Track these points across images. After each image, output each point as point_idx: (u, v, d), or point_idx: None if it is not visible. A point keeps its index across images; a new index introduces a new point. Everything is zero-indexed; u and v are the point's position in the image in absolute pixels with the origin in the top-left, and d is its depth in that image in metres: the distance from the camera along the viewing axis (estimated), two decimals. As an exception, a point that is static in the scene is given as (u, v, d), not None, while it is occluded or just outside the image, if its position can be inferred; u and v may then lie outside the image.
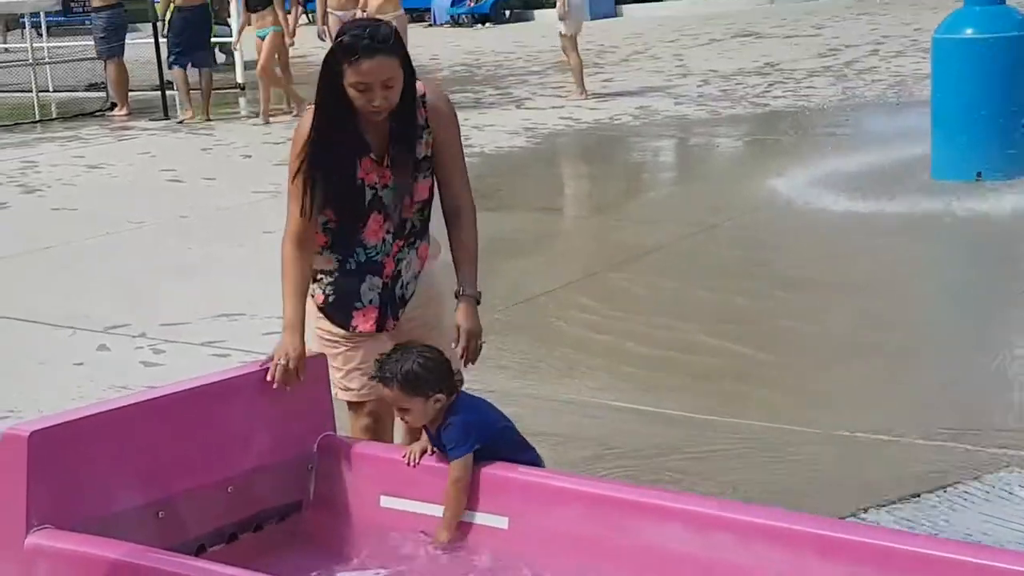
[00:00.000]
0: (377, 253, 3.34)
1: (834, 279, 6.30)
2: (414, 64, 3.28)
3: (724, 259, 6.77)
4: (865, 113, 10.67)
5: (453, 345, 3.27)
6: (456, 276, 3.35)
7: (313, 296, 3.38)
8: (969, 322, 5.65)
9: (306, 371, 3.23)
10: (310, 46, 22.51)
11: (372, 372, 3.18)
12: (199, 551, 3.03)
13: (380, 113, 3.19)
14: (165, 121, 13.14)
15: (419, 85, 3.30)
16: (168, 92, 13.40)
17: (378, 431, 3.40)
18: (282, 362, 3.19)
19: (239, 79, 15.54)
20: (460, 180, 3.38)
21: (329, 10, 12.51)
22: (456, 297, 3.32)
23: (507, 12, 23.86)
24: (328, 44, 12.76)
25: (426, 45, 20.46)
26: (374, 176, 3.28)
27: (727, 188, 8.37)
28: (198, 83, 13.01)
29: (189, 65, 12.95)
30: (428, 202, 3.39)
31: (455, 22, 24.49)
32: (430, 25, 24.98)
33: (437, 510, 3.09)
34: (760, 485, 3.96)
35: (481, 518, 3.06)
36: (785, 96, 12.09)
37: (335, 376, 3.39)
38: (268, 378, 3.19)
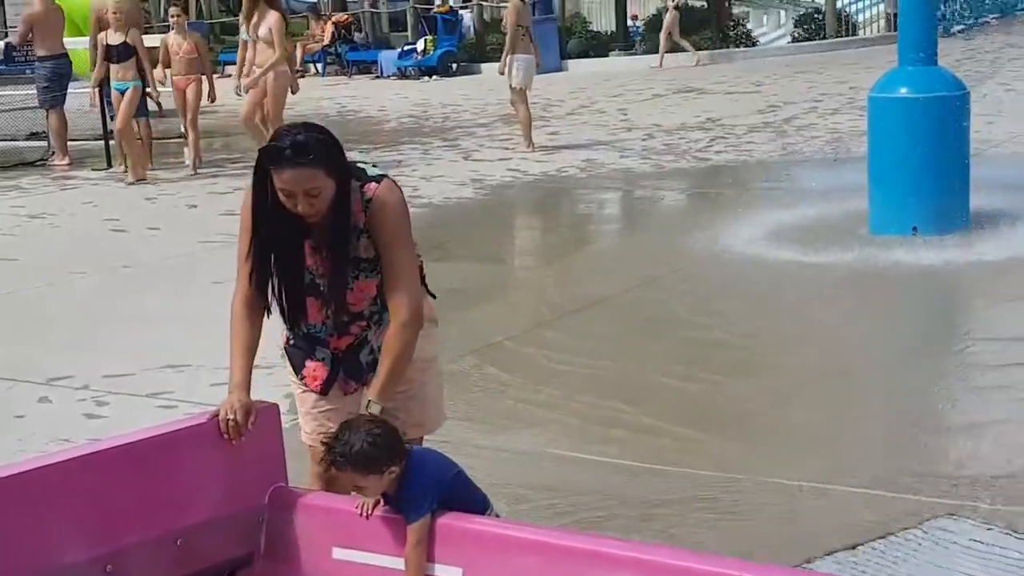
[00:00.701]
0: (318, 331, 3.40)
1: (776, 331, 6.40)
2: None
3: (668, 311, 6.84)
4: (804, 168, 10.85)
5: None
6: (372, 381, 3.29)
7: (282, 335, 3.46)
8: (908, 373, 5.74)
9: (256, 422, 3.24)
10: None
11: (324, 441, 3.15)
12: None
13: (309, 217, 3.21)
14: (108, 170, 13.06)
15: (371, 187, 3.28)
16: (112, 142, 13.32)
17: (331, 480, 3.41)
18: (229, 416, 3.20)
19: (183, 128, 15.47)
20: (397, 283, 3.27)
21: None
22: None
23: (454, 65, 24.02)
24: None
25: (373, 97, 20.56)
26: (311, 262, 3.32)
27: (672, 241, 8.46)
28: (137, 133, 12.92)
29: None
30: (377, 298, 3.37)
31: (402, 74, 24.60)
32: (377, 77, 25.08)
33: (391, 561, 3.08)
34: (705, 534, 4.01)
35: (435, 569, 3.06)
36: (727, 151, 12.27)
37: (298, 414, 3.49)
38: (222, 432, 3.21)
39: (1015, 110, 12.83)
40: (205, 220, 9.99)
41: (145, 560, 3.02)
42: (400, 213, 3.31)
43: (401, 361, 3.26)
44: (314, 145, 3.16)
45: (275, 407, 3.35)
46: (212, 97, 12.90)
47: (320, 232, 3.27)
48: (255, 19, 11.41)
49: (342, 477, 3.17)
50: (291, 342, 3.46)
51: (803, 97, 15.91)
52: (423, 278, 3.48)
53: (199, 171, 12.52)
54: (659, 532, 4.00)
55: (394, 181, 3.37)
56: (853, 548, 3.88)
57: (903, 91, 7.94)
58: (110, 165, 13.21)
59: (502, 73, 13.27)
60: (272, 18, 11.29)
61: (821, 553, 3.82)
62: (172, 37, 12.60)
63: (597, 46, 24.42)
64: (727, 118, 14.52)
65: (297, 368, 3.46)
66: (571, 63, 23.23)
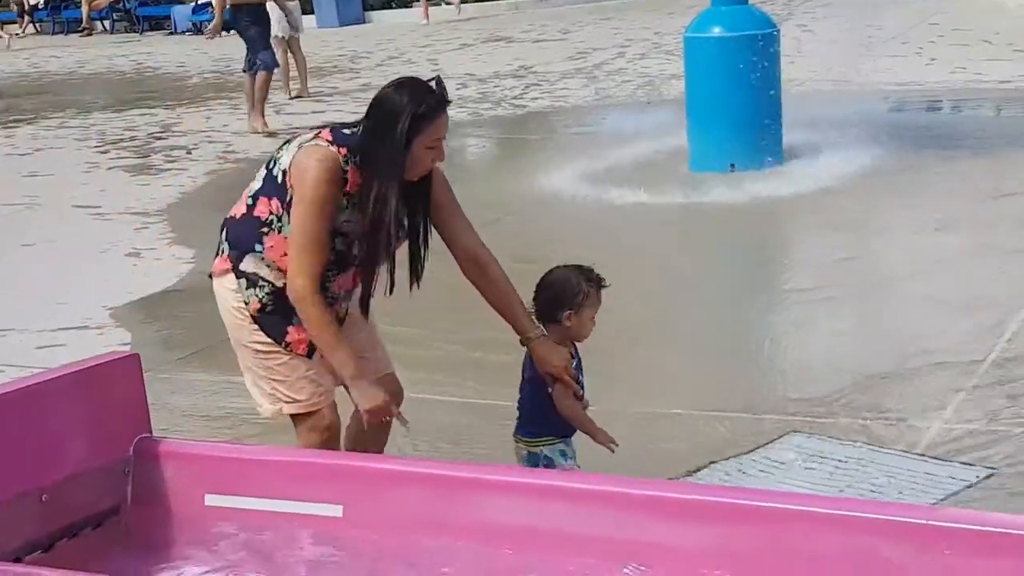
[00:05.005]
0: (333, 298, 3.29)
1: (612, 269, 6.43)
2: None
3: (509, 252, 6.76)
4: (620, 112, 11.02)
5: (549, 389, 3.27)
6: (514, 321, 3.32)
7: (247, 303, 3.24)
8: (742, 303, 5.93)
9: (118, 373, 3.15)
10: (47, 54, 21.60)
11: None
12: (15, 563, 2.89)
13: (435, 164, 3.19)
14: None
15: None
16: None
17: (332, 443, 3.32)
18: (394, 410, 3.19)
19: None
20: (467, 224, 3.41)
21: None
22: (525, 343, 3.29)
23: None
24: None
25: (171, 53, 19.92)
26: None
27: (501, 187, 8.48)
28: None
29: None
30: None
31: (197, 29, 23.89)
32: (171, 33, 24.32)
33: (268, 504, 3.04)
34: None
35: (313, 508, 3.03)
36: (542, 97, 12.37)
37: (275, 388, 3.28)
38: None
39: (813, 50, 13.33)
40: (6, 182, 9.56)
41: (10, 517, 2.89)
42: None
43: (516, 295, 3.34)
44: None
45: (136, 357, 3.24)
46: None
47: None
48: None
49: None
50: (267, 309, 3.24)
51: (610, 43, 16.15)
52: None
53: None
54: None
55: None
56: (707, 467, 4.01)
57: (717, 30, 8.11)
58: None
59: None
60: None
61: (678, 473, 3.93)
62: None
63: (399, -3, 24.24)
64: (539, 65, 14.63)
65: (279, 336, 3.25)
66: (374, 15, 23.02)
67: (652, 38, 15.97)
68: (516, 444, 3.35)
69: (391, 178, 3.11)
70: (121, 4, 25.72)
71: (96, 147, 11.16)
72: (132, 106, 13.52)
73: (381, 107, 3.12)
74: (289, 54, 13.56)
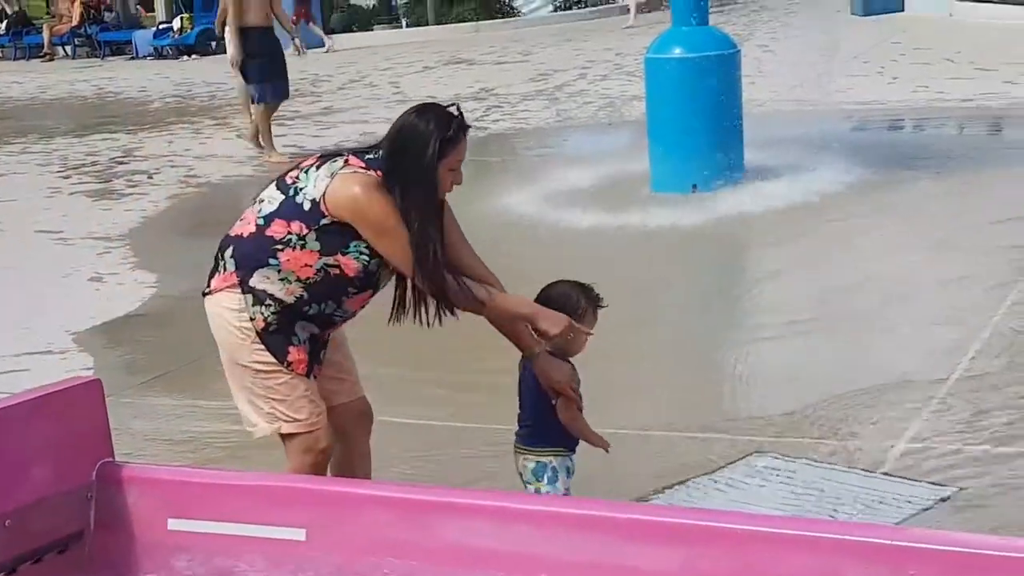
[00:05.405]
0: (342, 316, 3.32)
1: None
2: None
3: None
4: (582, 133, 11.08)
5: (552, 402, 3.36)
6: (518, 340, 3.37)
7: (252, 320, 3.23)
8: (702, 322, 5.97)
9: (79, 399, 3.13)
10: (8, 80, 21.44)
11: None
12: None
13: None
14: None
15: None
16: None
17: (323, 466, 3.33)
18: (576, 325, 3.27)
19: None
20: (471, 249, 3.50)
21: None
22: (529, 360, 3.35)
23: (213, 43, 23.38)
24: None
25: (132, 78, 19.83)
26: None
27: (465, 210, 8.31)
28: None
29: None
30: None
31: (159, 54, 23.82)
32: (132, 58, 24.22)
33: (231, 528, 3.03)
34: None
35: (277, 532, 3.01)
36: (504, 119, 12.40)
37: (275, 408, 3.27)
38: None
39: (774, 70, 13.42)
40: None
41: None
42: None
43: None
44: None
45: (98, 382, 3.22)
46: None
47: None
48: None
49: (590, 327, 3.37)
50: (270, 328, 3.24)
51: (571, 64, 16.22)
52: None
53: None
54: (491, 487, 4.02)
55: None
56: (678, 486, 4.02)
57: (677, 51, 8.15)
58: None
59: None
60: None
61: (650, 491, 3.94)
62: None
63: (360, 20, 24.27)
64: (500, 87, 14.67)
65: (281, 355, 3.25)
66: (335, 38, 23.01)
67: (613, 59, 16.06)
68: (521, 455, 3.41)
69: (429, 200, 3.17)
70: (82, 29, 25.58)
71: (58, 172, 11.09)
72: (94, 131, 13.44)
73: (407, 133, 3.19)
74: None
